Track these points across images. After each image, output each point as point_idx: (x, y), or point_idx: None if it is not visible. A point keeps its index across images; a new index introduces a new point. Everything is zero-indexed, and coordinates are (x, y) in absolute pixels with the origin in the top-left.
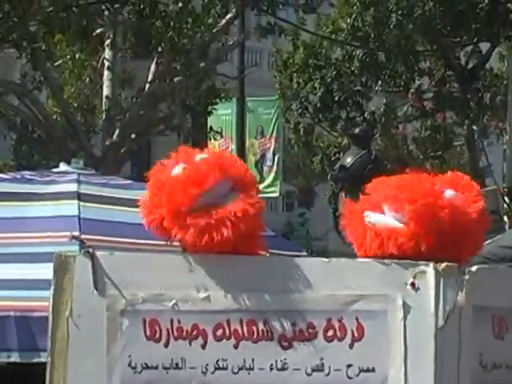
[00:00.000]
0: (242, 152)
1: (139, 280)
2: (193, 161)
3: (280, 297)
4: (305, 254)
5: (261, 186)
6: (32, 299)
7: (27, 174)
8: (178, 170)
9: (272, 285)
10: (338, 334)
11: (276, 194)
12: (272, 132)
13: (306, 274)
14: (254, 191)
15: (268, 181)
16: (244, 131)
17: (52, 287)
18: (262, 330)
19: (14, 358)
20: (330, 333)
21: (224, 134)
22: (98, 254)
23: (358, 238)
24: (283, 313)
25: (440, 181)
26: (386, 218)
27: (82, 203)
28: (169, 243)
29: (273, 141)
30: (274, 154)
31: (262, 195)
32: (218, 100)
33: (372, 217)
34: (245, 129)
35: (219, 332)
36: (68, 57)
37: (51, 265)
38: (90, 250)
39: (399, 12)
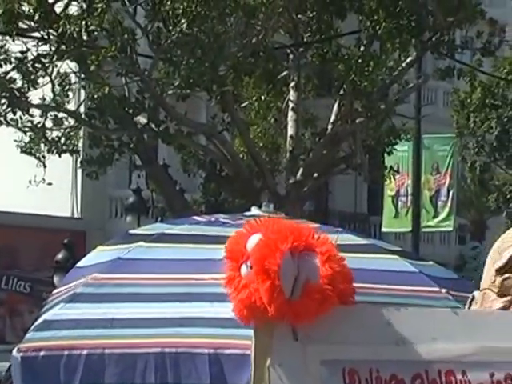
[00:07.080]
0: (417, 187)
1: (340, 332)
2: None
3: (478, 348)
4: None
5: (435, 221)
6: (223, 337)
7: (221, 217)
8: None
9: (471, 336)
10: None
11: (450, 229)
12: (447, 168)
13: (506, 327)
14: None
15: (442, 215)
16: (420, 167)
17: (253, 337)
18: (461, 381)
19: None
20: None
21: (400, 170)
22: None
23: None
24: (481, 364)
25: None
26: None
27: None
28: None
29: (448, 177)
30: (448, 190)
31: (436, 229)
32: (397, 140)
33: None
34: (421, 165)
35: (417, 382)
36: (254, 98)
37: None
38: None
39: None
